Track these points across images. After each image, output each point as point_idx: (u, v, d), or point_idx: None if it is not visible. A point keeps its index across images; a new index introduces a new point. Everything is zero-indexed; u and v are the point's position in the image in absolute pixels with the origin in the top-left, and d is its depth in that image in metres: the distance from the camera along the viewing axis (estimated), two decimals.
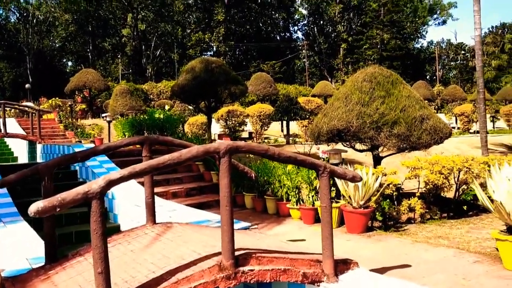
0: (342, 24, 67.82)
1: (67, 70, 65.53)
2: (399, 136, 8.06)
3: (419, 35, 71.62)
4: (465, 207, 8.22)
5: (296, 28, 75.94)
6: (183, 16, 60.47)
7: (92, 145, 14.01)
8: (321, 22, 70.31)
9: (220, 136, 22.60)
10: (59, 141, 19.73)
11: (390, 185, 7.39)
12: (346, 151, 8.18)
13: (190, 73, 13.83)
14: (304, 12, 71.82)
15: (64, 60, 67.14)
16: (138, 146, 5.05)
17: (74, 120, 21.99)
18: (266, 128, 21.60)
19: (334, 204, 7.18)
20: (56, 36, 60.04)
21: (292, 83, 53.84)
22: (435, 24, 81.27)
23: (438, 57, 69.02)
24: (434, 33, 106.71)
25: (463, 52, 68.60)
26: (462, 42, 69.14)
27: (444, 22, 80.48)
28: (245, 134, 22.53)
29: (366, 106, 8.36)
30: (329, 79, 71.05)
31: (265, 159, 8.89)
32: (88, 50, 61.89)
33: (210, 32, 61.52)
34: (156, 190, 8.85)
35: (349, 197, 7.13)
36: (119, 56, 59.43)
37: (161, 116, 12.51)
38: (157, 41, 60.94)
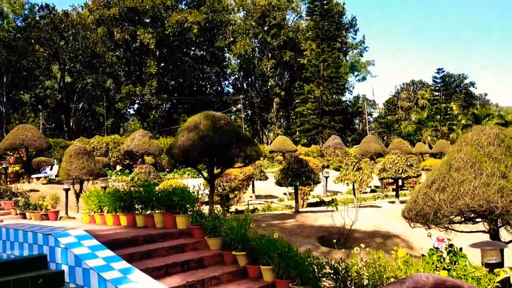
0: (274, 79, 68.16)
1: None
2: None
3: (347, 90, 74.02)
4: None
5: (227, 82, 75.30)
6: (114, 68, 56.96)
7: (71, 222, 10.31)
8: (253, 77, 70.24)
9: None
10: None
11: None
12: (506, 246, 6.03)
13: (193, 131, 11.18)
14: (236, 66, 71.54)
15: None
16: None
17: (10, 185, 17.91)
18: (245, 190, 19.18)
19: None
20: None
21: None
22: (357, 80, 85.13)
23: (366, 111, 71.52)
24: (358, 89, 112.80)
25: (393, 107, 71.43)
26: (393, 97, 72.45)
27: (364, 78, 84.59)
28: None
29: (504, 178, 6.39)
30: (261, 133, 70.32)
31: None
32: (0, 102, 55.77)
33: (141, 85, 58.40)
34: None
35: None
36: (40, 109, 53.93)
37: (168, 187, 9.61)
38: (82, 93, 56.47)
